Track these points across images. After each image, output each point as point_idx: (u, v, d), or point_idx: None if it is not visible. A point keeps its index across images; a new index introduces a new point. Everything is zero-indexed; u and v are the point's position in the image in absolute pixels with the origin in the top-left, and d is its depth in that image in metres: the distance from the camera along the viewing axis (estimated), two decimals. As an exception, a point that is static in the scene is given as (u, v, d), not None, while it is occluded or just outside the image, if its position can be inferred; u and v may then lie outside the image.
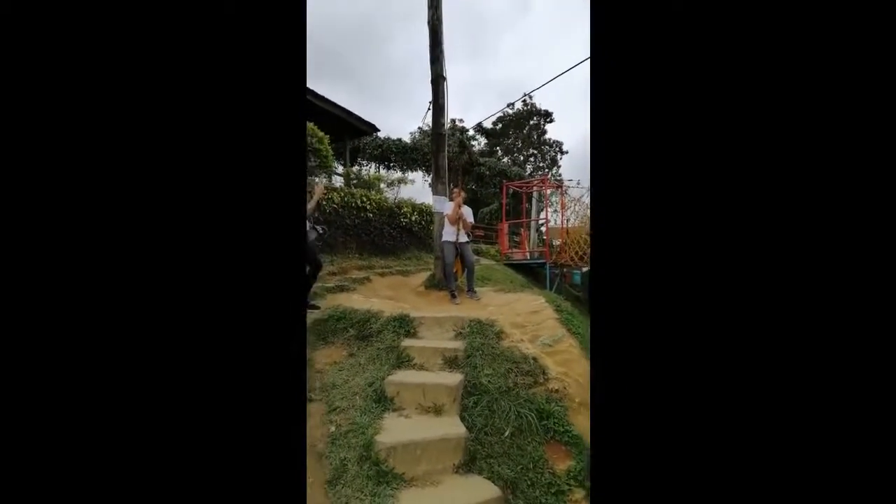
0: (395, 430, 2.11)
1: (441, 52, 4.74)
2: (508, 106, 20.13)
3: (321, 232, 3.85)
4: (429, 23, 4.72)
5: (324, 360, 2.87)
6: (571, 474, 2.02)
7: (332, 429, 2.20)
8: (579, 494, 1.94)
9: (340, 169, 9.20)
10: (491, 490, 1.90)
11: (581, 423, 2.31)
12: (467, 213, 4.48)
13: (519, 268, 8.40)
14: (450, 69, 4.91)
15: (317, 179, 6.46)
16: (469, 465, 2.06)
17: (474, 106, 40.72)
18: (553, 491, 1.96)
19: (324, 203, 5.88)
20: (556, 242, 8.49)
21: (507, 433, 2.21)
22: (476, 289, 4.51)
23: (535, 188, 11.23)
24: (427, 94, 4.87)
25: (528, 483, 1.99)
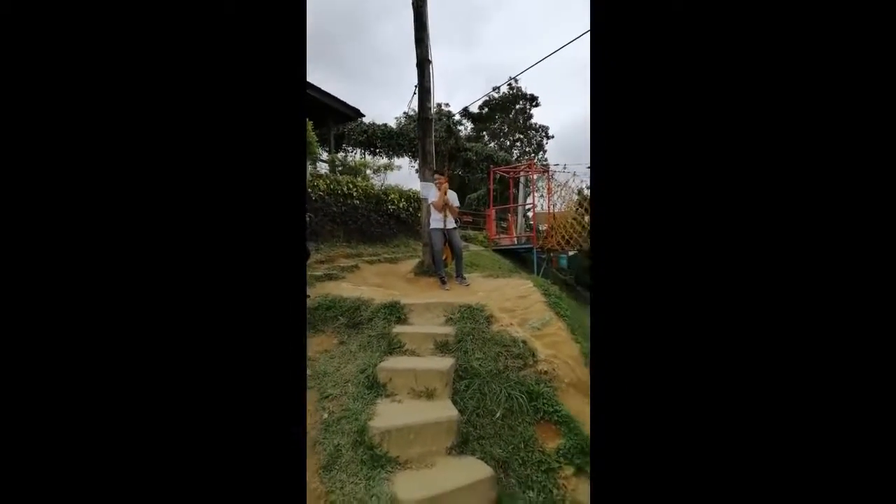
0: (388, 415, 2.14)
1: (426, 34, 4.65)
2: (494, 90, 19.97)
3: (307, 220, 3.80)
4: (413, 4, 4.62)
5: (314, 348, 2.86)
6: (561, 452, 2.09)
7: (325, 415, 2.21)
8: (569, 471, 2.01)
9: (325, 155, 9.02)
10: (483, 470, 1.95)
11: (570, 403, 2.37)
12: (452, 198, 4.46)
13: (507, 253, 8.44)
14: (436, 54, 4.83)
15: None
16: (462, 446, 2.10)
17: (460, 91, 40.27)
18: (543, 469, 2.02)
19: (309, 190, 5.79)
20: (543, 227, 8.54)
21: (498, 415, 2.25)
22: (465, 275, 4.53)
23: (521, 173, 11.22)
24: (413, 80, 4.80)
25: (520, 462, 2.05)
